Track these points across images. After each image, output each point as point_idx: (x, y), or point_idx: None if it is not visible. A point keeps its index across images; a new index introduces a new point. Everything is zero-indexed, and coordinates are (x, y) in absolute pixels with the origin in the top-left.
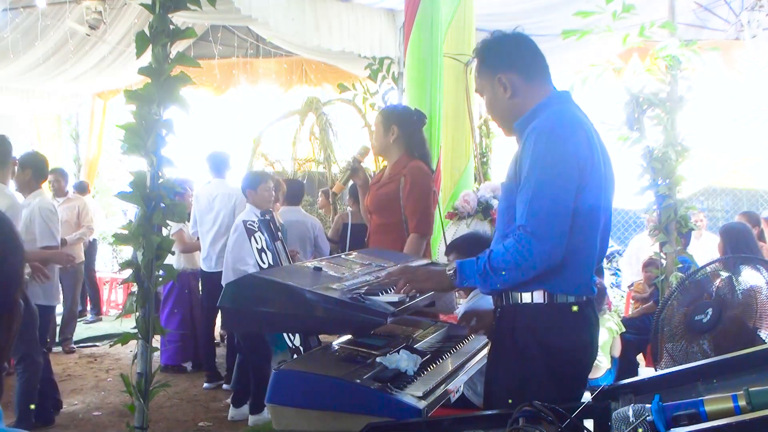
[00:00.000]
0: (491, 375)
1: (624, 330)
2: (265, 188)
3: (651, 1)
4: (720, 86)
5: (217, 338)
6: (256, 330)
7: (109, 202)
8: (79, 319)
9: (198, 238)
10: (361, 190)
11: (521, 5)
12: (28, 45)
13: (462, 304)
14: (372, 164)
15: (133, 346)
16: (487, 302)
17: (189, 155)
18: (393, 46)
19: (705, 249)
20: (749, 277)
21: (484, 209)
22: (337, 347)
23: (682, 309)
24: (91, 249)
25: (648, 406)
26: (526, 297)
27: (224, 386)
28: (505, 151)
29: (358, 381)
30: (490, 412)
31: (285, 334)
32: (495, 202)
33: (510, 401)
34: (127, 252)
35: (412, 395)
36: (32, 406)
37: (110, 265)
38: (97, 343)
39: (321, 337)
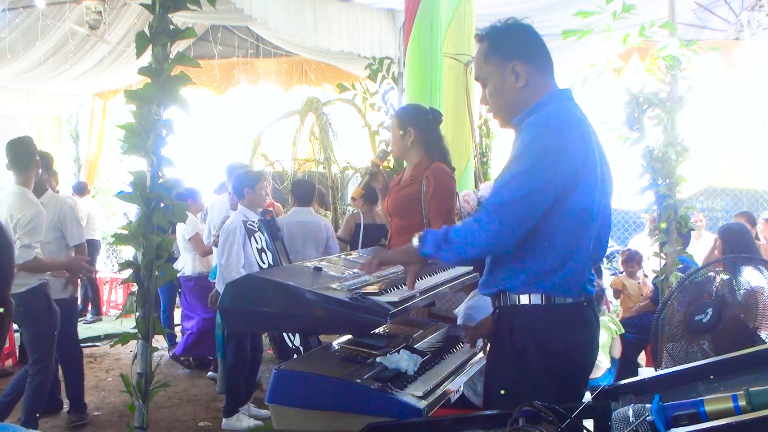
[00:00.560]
0: (490, 376)
1: (623, 331)
2: (261, 188)
3: (651, 1)
4: (720, 86)
5: None
6: (256, 330)
7: (109, 202)
8: (79, 319)
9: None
10: (381, 194)
11: (521, 5)
12: (28, 45)
13: (462, 304)
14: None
15: (133, 346)
16: (487, 301)
17: (188, 155)
18: (393, 46)
19: (705, 249)
20: (750, 277)
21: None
22: (337, 347)
23: (682, 309)
24: (92, 249)
25: (648, 406)
26: (524, 299)
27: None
28: (505, 151)
29: (359, 381)
30: (490, 412)
31: (285, 334)
32: None
33: (506, 397)
34: (127, 252)
35: (412, 395)
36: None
37: (110, 265)
38: (97, 343)
39: (321, 337)
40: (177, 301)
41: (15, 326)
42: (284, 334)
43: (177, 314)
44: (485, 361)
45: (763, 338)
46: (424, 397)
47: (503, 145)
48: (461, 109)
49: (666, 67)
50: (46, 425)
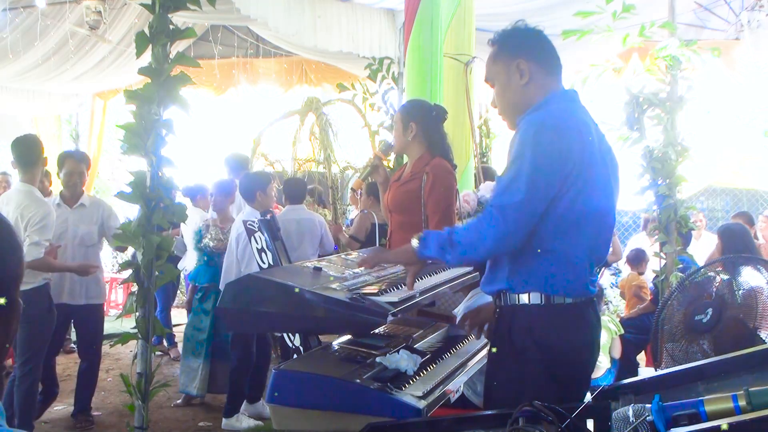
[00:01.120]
0: (491, 376)
1: (623, 331)
2: (272, 189)
3: (651, 1)
4: (720, 86)
5: None
6: (257, 330)
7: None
8: None
9: None
10: (381, 188)
11: (521, 5)
12: (28, 45)
13: (461, 304)
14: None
15: (133, 346)
16: (487, 301)
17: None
18: (393, 46)
19: (705, 249)
20: (750, 277)
21: (483, 209)
22: (337, 347)
23: (682, 309)
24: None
25: (648, 406)
26: (524, 298)
27: None
28: (505, 151)
29: (358, 381)
30: (490, 412)
31: (285, 334)
32: None
33: (506, 396)
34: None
35: (412, 395)
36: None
37: (110, 265)
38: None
39: (321, 337)
40: (177, 302)
41: None
42: (284, 334)
43: (178, 314)
44: (485, 361)
45: (763, 338)
46: (424, 397)
47: (503, 145)
48: (461, 109)
49: (666, 67)
50: (47, 426)
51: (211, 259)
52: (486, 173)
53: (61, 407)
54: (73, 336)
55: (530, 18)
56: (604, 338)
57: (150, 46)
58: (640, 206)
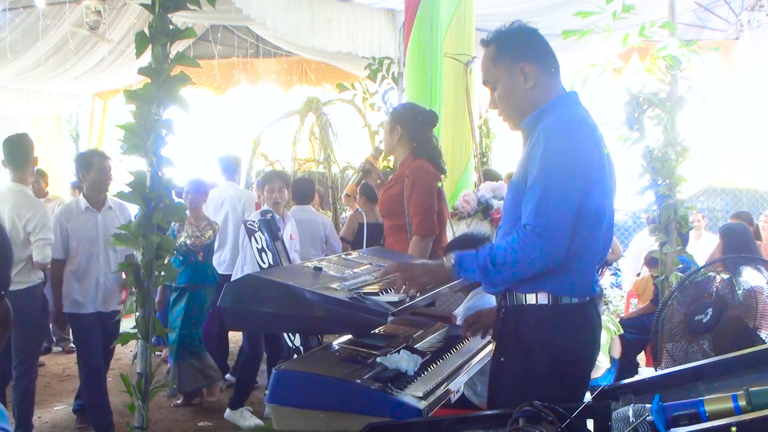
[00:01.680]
0: (495, 375)
1: (622, 331)
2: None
3: (651, 1)
4: (720, 86)
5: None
6: (256, 330)
7: None
8: None
9: None
10: (377, 190)
11: (521, 5)
12: (28, 45)
13: (461, 304)
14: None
15: (133, 346)
16: (487, 302)
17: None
18: (393, 46)
19: (705, 249)
20: (750, 277)
21: (484, 209)
22: (337, 347)
23: (682, 309)
24: None
25: (648, 406)
26: (531, 298)
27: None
28: (505, 151)
29: (359, 381)
30: (490, 412)
31: (285, 334)
32: (495, 202)
33: (511, 396)
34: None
35: (412, 395)
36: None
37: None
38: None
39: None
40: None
41: None
42: (284, 334)
43: None
44: (485, 361)
45: (763, 338)
46: (425, 397)
47: (503, 145)
48: (461, 109)
49: (666, 67)
50: (46, 426)
51: (187, 259)
52: (486, 175)
53: (61, 407)
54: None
55: (530, 18)
56: (604, 338)
57: (150, 46)
58: (640, 206)
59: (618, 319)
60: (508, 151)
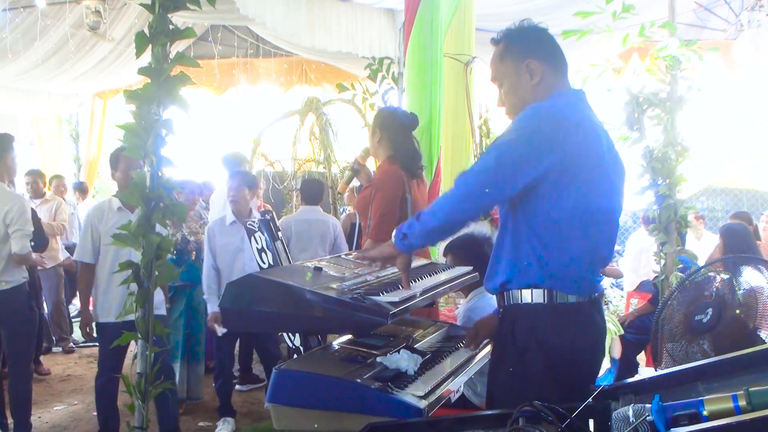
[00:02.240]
0: (493, 375)
1: (622, 331)
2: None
3: (651, 1)
4: (720, 86)
5: None
6: (257, 330)
7: None
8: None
9: None
10: None
11: (521, 5)
12: (28, 45)
13: (461, 305)
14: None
15: (133, 346)
16: (487, 303)
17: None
18: (393, 46)
19: (705, 249)
20: (750, 277)
21: None
22: (337, 347)
23: (682, 309)
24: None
25: (648, 406)
26: (527, 297)
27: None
28: None
29: (359, 381)
30: (490, 412)
31: (285, 334)
32: None
33: (509, 396)
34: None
35: (412, 395)
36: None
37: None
38: (98, 343)
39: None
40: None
41: None
42: (285, 334)
43: None
44: (485, 361)
45: (763, 338)
46: (425, 397)
47: None
48: (461, 109)
49: (666, 67)
50: (46, 426)
51: (180, 257)
52: None
53: (61, 407)
54: (75, 336)
55: (530, 18)
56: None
57: (150, 46)
58: (641, 206)
59: (618, 320)
60: None
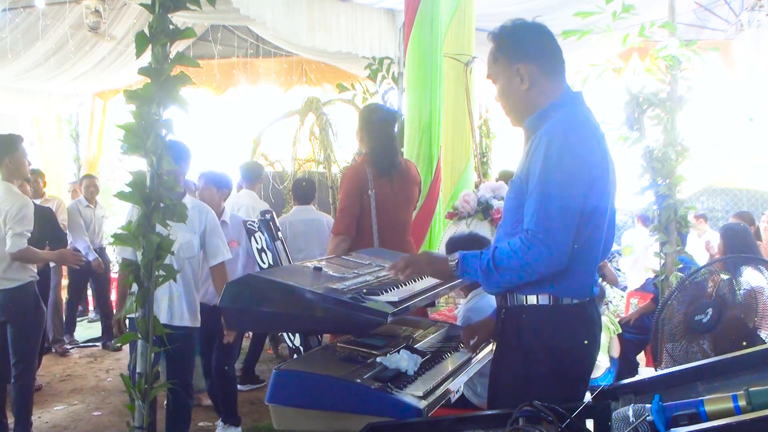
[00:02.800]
0: (496, 376)
1: (621, 330)
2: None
3: (651, 1)
4: (720, 86)
5: None
6: (257, 330)
7: (109, 203)
8: (81, 319)
9: None
10: None
11: (521, 5)
12: (28, 45)
13: (461, 305)
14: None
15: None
16: (487, 303)
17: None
18: (393, 46)
19: (705, 248)
20: (750, 277)
21: (484, 209)
22: (337, 347)
23: (682, 309)
24: (102, 251)
25: (648, 406)
26: (531, 299)
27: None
28: (505, 151)
29: (359, 381)
30: (490, 412)
31: (285, 334)
32: (495, 202)
33: (512, 396)
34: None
35: (412, 395)
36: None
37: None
38: (97, 343)
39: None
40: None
41: None
42: (284, 334)
43: None
44: (487, 362)
45: (763, 338)
46: (425, 397)
47: (503, 145)
48: (461, 109)
49: (666, 67)
50: (46, 426)
51: None
52: (502, 177)
53: (61, 407)
54: (74, 336)
55: (530, 18)
56: (604, 338)
57: (150, 46)
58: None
59: (618, 319)
60: (508, 151)
